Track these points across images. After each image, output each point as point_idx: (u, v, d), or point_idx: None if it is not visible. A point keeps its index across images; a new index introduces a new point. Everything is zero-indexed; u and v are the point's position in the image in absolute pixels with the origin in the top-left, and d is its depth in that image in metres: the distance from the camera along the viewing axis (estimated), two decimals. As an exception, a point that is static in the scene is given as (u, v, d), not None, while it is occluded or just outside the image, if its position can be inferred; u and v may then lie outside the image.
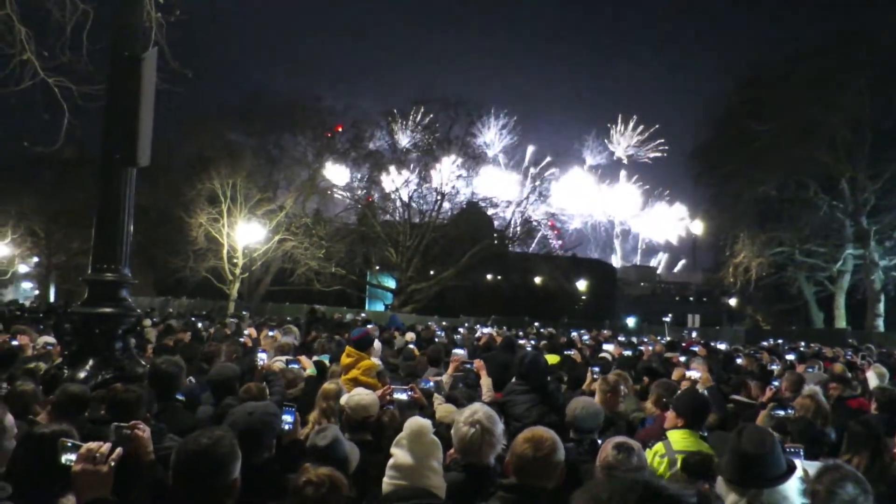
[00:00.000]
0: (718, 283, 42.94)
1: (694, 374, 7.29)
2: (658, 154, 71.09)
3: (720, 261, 40.50)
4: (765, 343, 22.05)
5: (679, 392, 5.47)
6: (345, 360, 7.04)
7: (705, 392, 5.90)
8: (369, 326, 15.74)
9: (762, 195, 35.19)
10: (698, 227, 42.44)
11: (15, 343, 7.63)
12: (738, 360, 11.75)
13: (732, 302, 51.58)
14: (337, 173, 42.73)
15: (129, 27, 6.27)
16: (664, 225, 74.54)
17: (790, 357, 13.61)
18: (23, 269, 47.37)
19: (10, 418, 2.84)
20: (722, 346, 16.87)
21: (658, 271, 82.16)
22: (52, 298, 43.08)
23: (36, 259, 46.17)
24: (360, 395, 4.63)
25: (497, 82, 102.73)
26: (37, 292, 48.90)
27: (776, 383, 7.42)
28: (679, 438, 4.53)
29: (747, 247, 35.46)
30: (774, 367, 10.83)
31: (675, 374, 7.76)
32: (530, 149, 55.55)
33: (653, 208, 74.65)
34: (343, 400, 4.67)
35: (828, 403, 6.07)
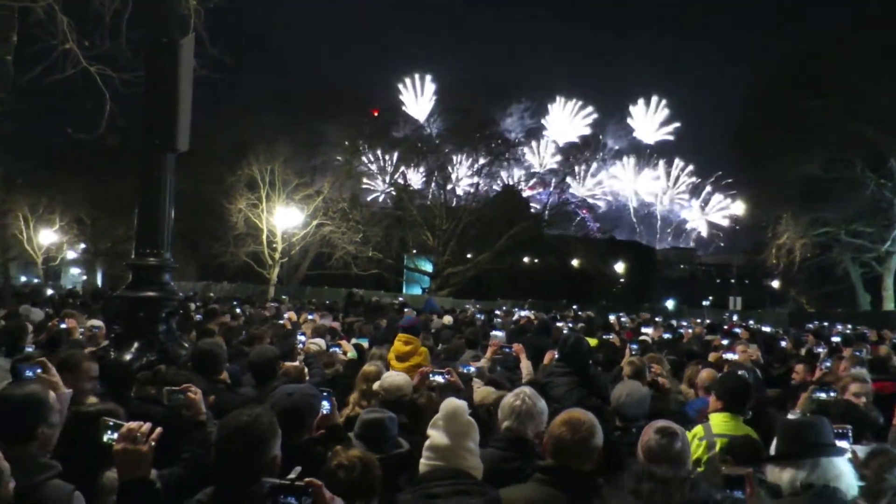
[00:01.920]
0: (760, 264, 42.02)
1: (731, 355, 7.17)
2: (670, 137, 70.10)
3: (762, 242, 39.59)
4: (810, 326, 21.57)
5: (720, 375, 5.38)
6: (403, 347, 6.98)
7: (744, 374, 5.77)
8: (406, 310, 15.85)
9: (807, 174, 34.24)
10: (739, 208, 41.53)
11: (63, 326, 7.85)
12: (783, 343, 11.52)
13: (775, 284, 50.50)
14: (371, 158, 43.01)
15: (166, 14, 6.36)
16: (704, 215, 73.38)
17: (836, 339, 13.29)
18: (70, 255, 48.79)
19: (53, 395, 2.92)
20: (766, 329, 16.54)
21: (698, 252, 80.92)
22: (98, 284, 44.27)
23: (83, 246, 47.46)
24: (393, 377, 4.67)
25: (518, 64, 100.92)
26: (84, 278, 50.34)
27: (828, 363, 7.26)
28: (719, 421, 4.47)
29: (791, 227, 34.57)
30: (820, 350, 10.58)
31: (712, 357, 7.63)
32: (556, 131, 54.79)
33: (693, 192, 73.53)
34: (376, 385, 4.71)
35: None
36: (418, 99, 47.78)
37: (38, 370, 3.76)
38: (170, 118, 6.12)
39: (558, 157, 47.07)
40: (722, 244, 74.00)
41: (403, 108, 44.61)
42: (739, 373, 4.85)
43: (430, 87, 51.46)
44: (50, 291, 29.24)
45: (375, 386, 4.71)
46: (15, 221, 40.55)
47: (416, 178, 44.15)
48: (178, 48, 6.21)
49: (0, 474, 2.20)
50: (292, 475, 2.27)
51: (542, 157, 48.71)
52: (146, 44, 6.56)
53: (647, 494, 1.27)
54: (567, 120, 62.35)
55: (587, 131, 58.74)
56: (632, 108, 73.27)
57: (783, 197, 35.48)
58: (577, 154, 46.59)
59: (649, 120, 73.56)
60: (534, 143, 52.24)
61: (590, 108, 63.78)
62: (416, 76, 52.00)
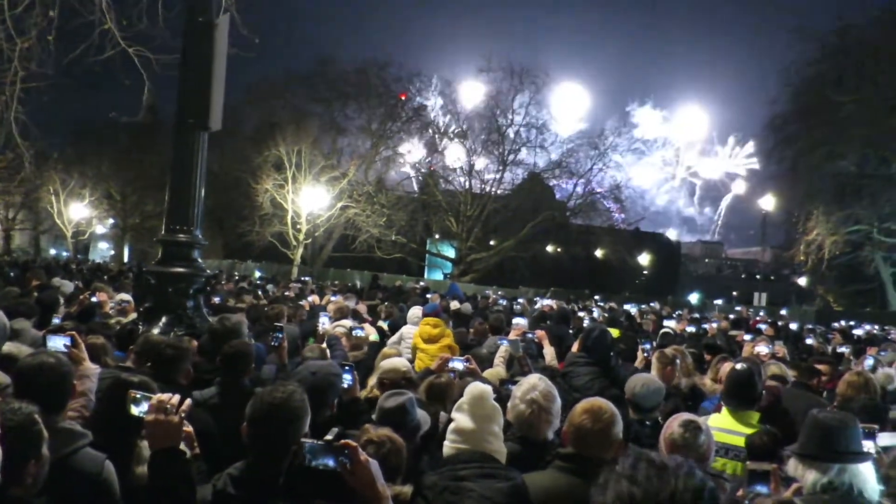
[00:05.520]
0: (788, 261, 41.45)
1: (762, 349, 7.09)
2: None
3: (791, 238, 38.98)
4: (836, 325, 21.27)
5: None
6: (431, 330, 7.07)
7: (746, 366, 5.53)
8: (429, 296, 15.90)
9: (841, 170, 33.60)
10: (769, 203, 40.83)
11: (94, 299, 8.00)
12: (809, 341, 11.39)
13: (802, 281, 49.78)
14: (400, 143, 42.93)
15: (202, -6, 6.41)
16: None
17: (858, 332, 13.13)
18: (100, 229, 49.62)
19: (90, 365, 3.00)
20: (792, 326, 16.33)
21: (725, 247, 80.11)
22: (126, 259, 44.99)
23: (112, 221, 48.20)
24: (391, 360, 4.73)
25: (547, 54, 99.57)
26: (112, 252, 51.20)
27: (870, 361, 7.17)
28: (717, 416, 4.43)
29: (821, 224, 33.98)
30: (845, 350, 10.44)
31: (745, 351, 7.56)
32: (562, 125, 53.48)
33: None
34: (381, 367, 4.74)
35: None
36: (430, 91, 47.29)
37: (68, 341, 3.82)
38: (204, 97, 6.20)
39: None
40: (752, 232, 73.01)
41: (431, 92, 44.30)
42: (738, 366, 4.72)
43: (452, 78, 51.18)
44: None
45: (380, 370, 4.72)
46: (46, 195, 41.32)
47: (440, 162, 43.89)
48: (214, 28, 6.26)
49: (41, 440, 2.26)
50: (329, 436, 2.29)
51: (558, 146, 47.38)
52: (182, 23, 6.63)
53: (643, 480, 1.28)
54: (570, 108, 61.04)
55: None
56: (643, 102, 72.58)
57: (815, 192, 34.88)
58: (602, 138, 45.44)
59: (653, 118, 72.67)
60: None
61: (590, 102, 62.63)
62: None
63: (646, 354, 6.75)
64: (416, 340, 7.11)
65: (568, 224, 43.54)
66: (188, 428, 2.69)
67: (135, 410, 2.64)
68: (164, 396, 2.59)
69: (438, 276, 44.64)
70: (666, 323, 13.22)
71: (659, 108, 72.51)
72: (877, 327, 20.04)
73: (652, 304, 20.57)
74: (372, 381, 5.04)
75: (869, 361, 7.51)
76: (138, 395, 2.66)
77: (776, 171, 43.32)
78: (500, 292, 29.46)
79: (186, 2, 6.50)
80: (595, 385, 5.52)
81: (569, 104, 59.51)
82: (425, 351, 7.08)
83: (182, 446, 2.64)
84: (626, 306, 20.15)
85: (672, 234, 75.82)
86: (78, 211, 43.00)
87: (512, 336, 6.95)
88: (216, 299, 12.59)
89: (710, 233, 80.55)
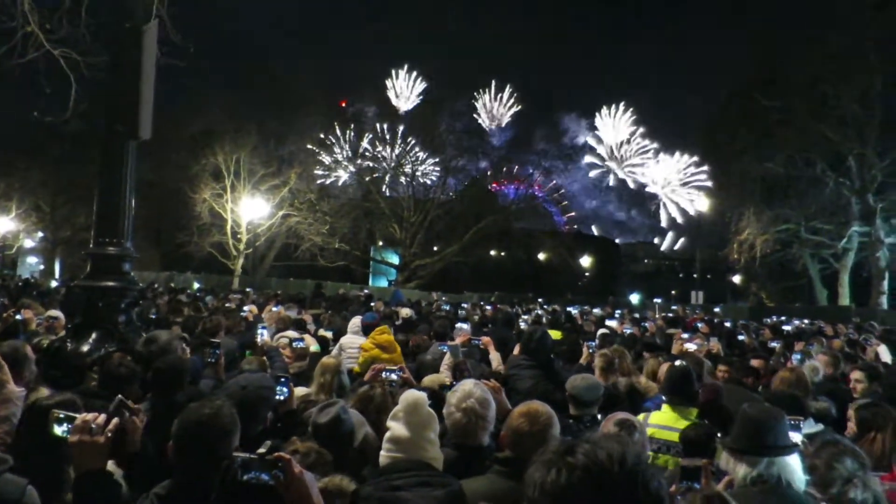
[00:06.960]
0: (723, 259, 42.84)
1: (692, 345, 7.29)
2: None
3: (725, 237, 40.32)
4: (767, 320, 22.03)
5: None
6: (388, 337, 6.91)
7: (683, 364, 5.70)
8: (373, 304, 15.81)
9: (769, 172, 34.93)
10: (703, 203, 42.17)
11: (20, 317, 7.67)
12: (741, 337, 11.76)
13: (736, 279, 51.52)
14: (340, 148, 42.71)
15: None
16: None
17: (787, 328, 13.63)
18: (28, 243, 47.55)
19: (13, 388, 2.86)
20: (727, 324, 16.85)
21: (662, 248, 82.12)
22: (57, 273, 43.27)
23: (41, 234, 46.26)
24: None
25: (499, 59, 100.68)
26: (42, 267, 49.15)
27: (798, 357, 7.42)
28: (657, 413, 4.55)
29: (752, 223, 35.27)
30: (775, 345, 10.82)
31: (675, 348, 7.76)
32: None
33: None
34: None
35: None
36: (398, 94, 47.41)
37: None
38: (132, 105, 6.01)
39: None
40: (683, 239, 75.13)
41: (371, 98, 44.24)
42: (676, 364, 4.86)
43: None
44: None
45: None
46: (-31, 208, 39.44)
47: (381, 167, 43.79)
48: (142, 34, 6.08)
49: None
50: (262, 449, 2.25)
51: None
52: (109, 29, 6.43)
53: (581, 454, 1.27)
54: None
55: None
56: (598, 111, 73.99)
57: (746, 193, 36.18)
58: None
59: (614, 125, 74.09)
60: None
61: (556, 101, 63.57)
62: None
63: (591, 351, 6.91)
64: (374, 352, 6.88)
65: (510, 228, 44.00)
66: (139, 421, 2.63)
67: (58, 431, 2.54)
68: (89, 416, 2.50)
69: (383, 283, 44.46)
70: (607, 322, 13.47)
71: (587, 114, 74.08)
72: (806, 321, 20.85)
73: (595, 310, 20.92)
74: (311, 391, 4.97)
75: (797, 356, 7.83)
76: (61, 416, 2.56)
77: (709, 173, 44.84)
78: (444, 297, 29.53)
79: (113, 7, 6.30)
80: (539, 388, 5.57)
81: (499, 108, 60.18)
82: (390, 361, 6.85)
83: (111, 465, 2.56)
84: (568, 308, 20.43)
85: (596, 232, 77.54)
86: (4, 224, 41.18)
87: (458, 341, 6.94)
88: (152, 314, 12.22)
89: (643, 234, 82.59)
